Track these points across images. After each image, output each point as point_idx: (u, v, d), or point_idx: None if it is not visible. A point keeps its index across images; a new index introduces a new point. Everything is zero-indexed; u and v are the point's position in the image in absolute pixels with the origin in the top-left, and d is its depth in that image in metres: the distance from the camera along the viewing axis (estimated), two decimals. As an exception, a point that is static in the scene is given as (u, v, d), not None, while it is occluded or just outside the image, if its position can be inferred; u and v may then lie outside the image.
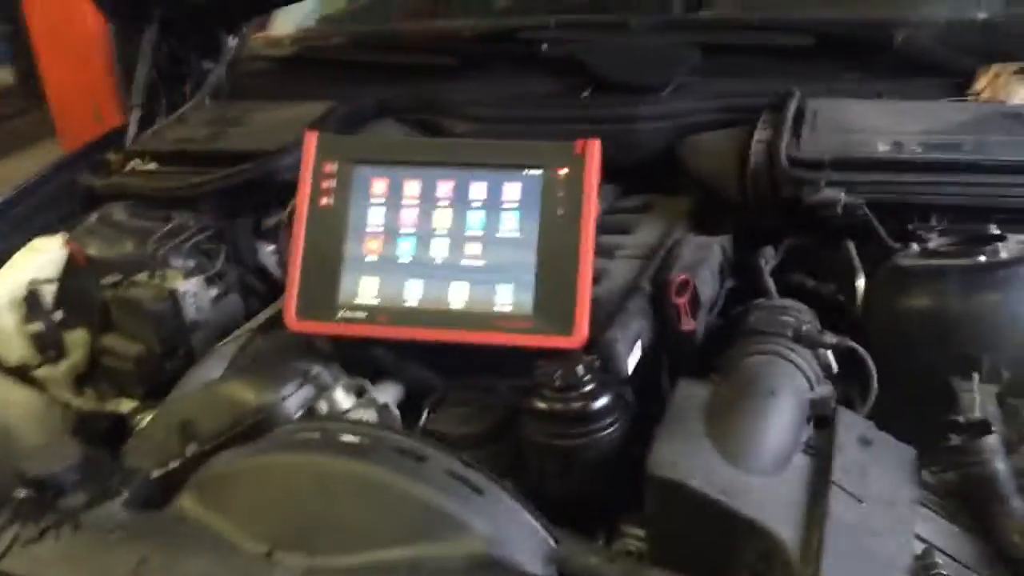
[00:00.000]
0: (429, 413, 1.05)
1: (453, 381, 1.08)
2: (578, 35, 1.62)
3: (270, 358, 1.09)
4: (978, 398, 1.01)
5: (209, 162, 1.53)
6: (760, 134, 1.32)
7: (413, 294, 1.04)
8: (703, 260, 1.17)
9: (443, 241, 1.05)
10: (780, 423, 0.93)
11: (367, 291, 1.05)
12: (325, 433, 0.92)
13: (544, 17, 1.65)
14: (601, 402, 0.96)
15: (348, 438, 0.91)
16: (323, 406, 1.02)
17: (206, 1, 1.69)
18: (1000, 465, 0.91)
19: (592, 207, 1.03)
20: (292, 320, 1.05)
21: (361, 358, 1.07)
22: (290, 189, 1.48)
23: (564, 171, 1.04)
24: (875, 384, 1.03)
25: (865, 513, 0.84)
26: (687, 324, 1.10)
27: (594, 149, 1.04)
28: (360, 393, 1.04)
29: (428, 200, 1.07)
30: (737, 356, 1.03)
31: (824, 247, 1.27)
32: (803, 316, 1.08)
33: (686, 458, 0.89)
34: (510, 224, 1.05)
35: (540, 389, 0.97)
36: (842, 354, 1.05)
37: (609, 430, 0.96)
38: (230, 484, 0.88)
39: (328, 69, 1.77)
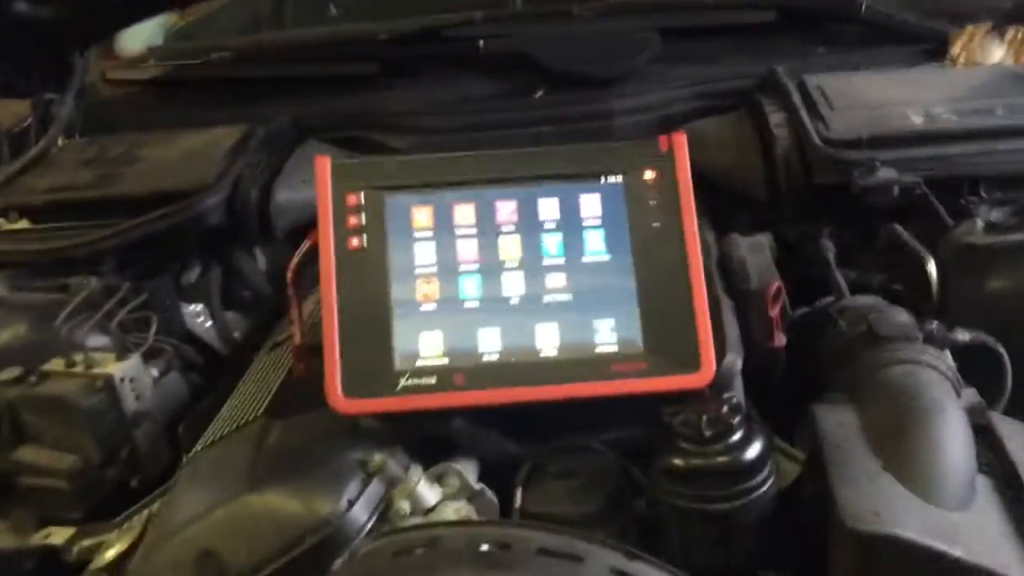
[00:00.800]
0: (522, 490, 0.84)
1: (536, 446, 0.88)
2: (515, 28, 1.44)
3: (305, 453, 0.84)
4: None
5: (104, 212, 1.23)
6: (775, 118, 1.19)
7: (490, 345, 0.83)
8: (768, 263, 1.02)
9: (516, 275, 0.85)
10: (958, 444, 0.80)
11: (431, 348, 0.83)
12: (435, 545, 0.70)
13: (468, 13, 1.44)
14: (756, 450, 0.79)
15: (473, 546, 0.70)
16: (403, 506, 0.79)
17: (57, 13, 1.36)
18: None
19: (692, 214, 0.85)
20: (339, 401, 0.81)
21: (427, 433, 0.84)
22: (218, 235, 1.24)
23: (651, 174, 0.86)
24: (1009, 381, 0.92)
25: None
26: (780, 339, 0.95)
27: (682, 144, 0.87)
28: (441, 480, 0.81)
29: (488, 226, 0.86)
30: (870, 369, 0.88)
31: (862, 233, 1.15)
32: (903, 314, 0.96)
33: (883, 504, 0.74)
34: (595, 245, 0.85)
35: (677, 442, 0.79)
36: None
37: (769, 483, 0.79)
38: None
39: (217, 89, 1.49)
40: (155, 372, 1.10)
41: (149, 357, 1.10)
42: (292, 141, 1.34)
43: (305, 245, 0.88)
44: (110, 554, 0.91)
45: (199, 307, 1.26)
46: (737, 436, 0.78)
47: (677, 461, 0.78)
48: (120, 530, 0.94)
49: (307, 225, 1.28)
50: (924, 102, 1.17)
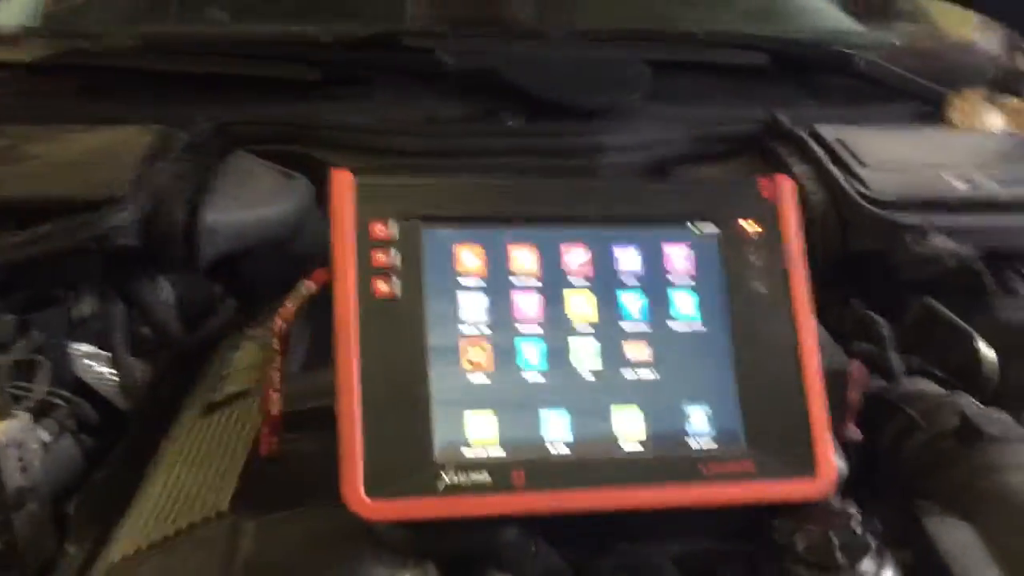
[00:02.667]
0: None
1: (584, 557, 0.68)
2: (487, 45, 1.25)
3: (301, 571, 0.61)
4: None
5: None
6: (801, 170, 1.05)
7: (558, 433, 0.63)
8: (829, 338, 0.87)
9: (590, 344, 0.66)
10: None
11: (482, 433, 0.62)
12: None
13: (432, 22, 1.25)
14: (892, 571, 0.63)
15: None
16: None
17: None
18: None
19: (803, 277, 0.69)
20: (361, 502, 0.59)
21: (470, 546, 0.64)
22: (127, 260, 0.99)
23: (753, 226, 0.69)
24: None
25: None
26: (856, 432, 0.80)
27: (789, 190, 0.71)
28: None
29: (553, 277, 0.66)
30: (977, 476, 0.74)
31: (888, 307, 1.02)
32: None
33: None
34: (686, 308, 0.68)
35: (794, 568, 0.62)
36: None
37: None
38: None
39: (119, 80, 1.23)
40: (46, 436, 0.84)
41: (38, 415, 0.85)
42: (218, 151, 1.10)
43: (307, 288, 0.66)
44: None
45: (91, 349, 0.99)
46: (872, 564, 0.62)
47: (800, 594, 0.61)
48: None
49: (232, 255, 1.07)
50: (958, 166, 1.06)
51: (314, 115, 1.19)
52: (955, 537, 0.69)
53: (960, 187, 1.02)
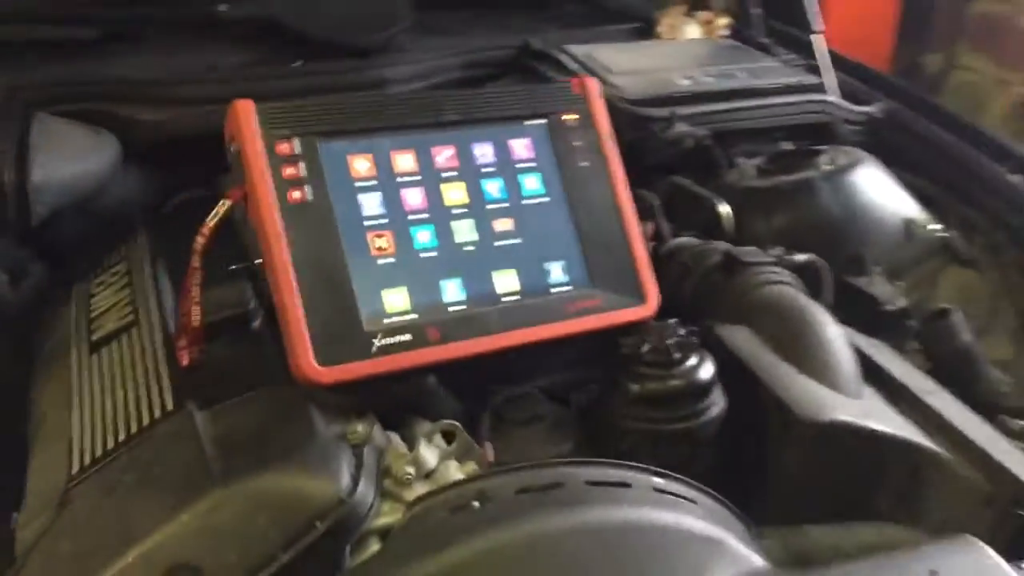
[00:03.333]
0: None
1: (476, 399, 0.85)
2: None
3: (271, 435, 0.72)
4: (889, 288, 1.11)
5: None
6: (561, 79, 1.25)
7: (455, 295, 0.79)
8: None
9: (467, 223, 0.81)
10: (847, 344, 0.92)
11: (396, 305, 0.76)
12: (487, 497, 0.66)
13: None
14: (710, 369, 0.83)
15: (524, 491, 0.67)
16: (408, 471, 0.72)
17: None
18: (968, 337, 1.03)
19: (615, 152, 0.88)
20: (314, 370, 0.72)
21: (397, 395, 0.77)
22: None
23: (572, 116, 0.87)
24: (831, 295, 1.06)
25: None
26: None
27: (594, 87, 0.89)
28: (431, 439, 0.75)
29: (430, 173, 0.81)
30: (745, 292, 0.97)
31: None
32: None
33: (819, 398, 0.84)
34: (533, 186, 0.85)
35: (641, 370, 0.82)
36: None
37: (722, 398, 0.84)
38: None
39: None
40: None
41: None
42: (20, 114, 1.11)
43: (223, 206, 0.76)
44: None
45: None
46: (696, 358, 0.83)
47: (652, 386, 0.81)
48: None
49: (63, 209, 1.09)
50: (681, 68, 1.30)
51: (98, 73, 1.22)
52: (738, 335, 0.91)
53: (686, 83, 1.26)
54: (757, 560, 0.67)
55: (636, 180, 1.19)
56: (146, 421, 0.77)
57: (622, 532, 0.65)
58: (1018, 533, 0.77)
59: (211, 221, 0.76)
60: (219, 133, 1.20)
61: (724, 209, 1.17)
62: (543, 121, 0.86)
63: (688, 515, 0.69)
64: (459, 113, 0.83)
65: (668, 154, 1.20)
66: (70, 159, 1.09)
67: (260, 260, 0.75)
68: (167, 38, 1.29)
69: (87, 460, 0.77)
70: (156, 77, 1.21)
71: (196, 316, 0.79)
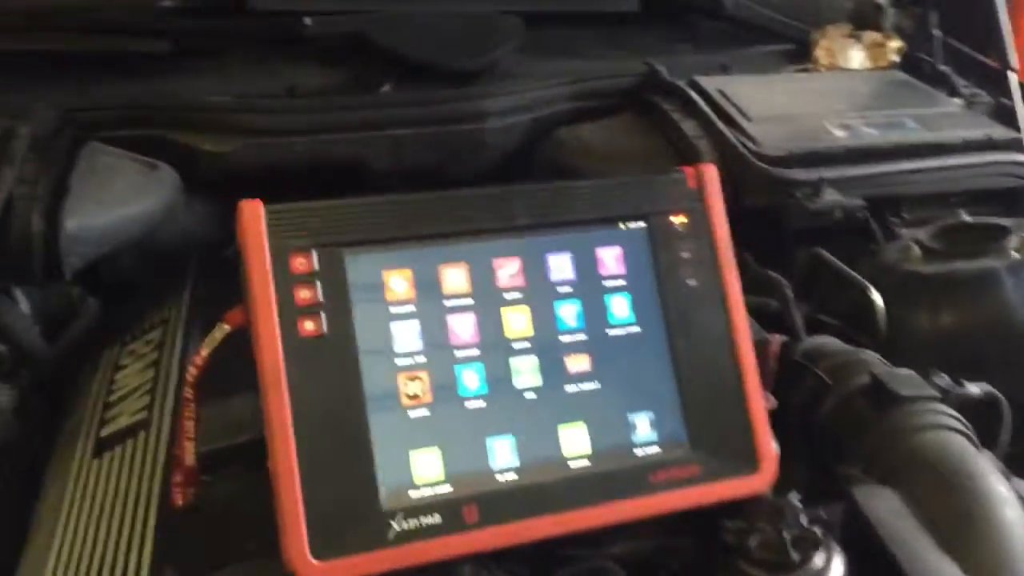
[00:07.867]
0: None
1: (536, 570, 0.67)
2: (345, 5, 1.17)
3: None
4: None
5: None
6: (689, 127, 1.04)
7: (506, 460, 0.61)
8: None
9: (529, 361, 0.63)
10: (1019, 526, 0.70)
11: (426, 473, 0.59)
12: None
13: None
14: (839, 571, 0.63)
15: None
16: None
17: None
18: None
19: (733, 268, 0.68)
20: (305, 564, 0.55)
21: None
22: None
23: (681, 217, 0.67)
24: (1008, 434, 0.84)
25: None
26: (771, 402, 0.80)
27: (712, 176, 0.69)
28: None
29: (488, 294, 0.63)
30: (895, 438, 0.76)
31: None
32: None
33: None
34: (621, 311, 0.65)
35: (742, 567, 0.62)
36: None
37: None
38: None
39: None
40: None
41: None
42: (69, 145, 0.99)
43: (221, 331, 0.60)
44: None
45: None
46: (822, 559, 0.63)
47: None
48: None
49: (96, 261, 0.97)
50: (836, 113, 1.08)
51: (166, 94, 1.09)
52: (882, 505, 0.70)
53: (841, 136, 1.04)
54: None
55: (766, 250, 1.00)
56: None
57: None
58: None
59: (205, 350, 0.60)
60: (290, 166, 1.07)
61: (878, 301, 0.95)
62: (642, 224, 0.67)
63: None
64: (531, 215, 0.65)
65: (809, 226, 0.99)
66: (116, 203, 0.96)
67: None
68: (243, 54, 1.15)
69: None
70: (222, 102, 1.06)
71: (190, 454, 0.64)
